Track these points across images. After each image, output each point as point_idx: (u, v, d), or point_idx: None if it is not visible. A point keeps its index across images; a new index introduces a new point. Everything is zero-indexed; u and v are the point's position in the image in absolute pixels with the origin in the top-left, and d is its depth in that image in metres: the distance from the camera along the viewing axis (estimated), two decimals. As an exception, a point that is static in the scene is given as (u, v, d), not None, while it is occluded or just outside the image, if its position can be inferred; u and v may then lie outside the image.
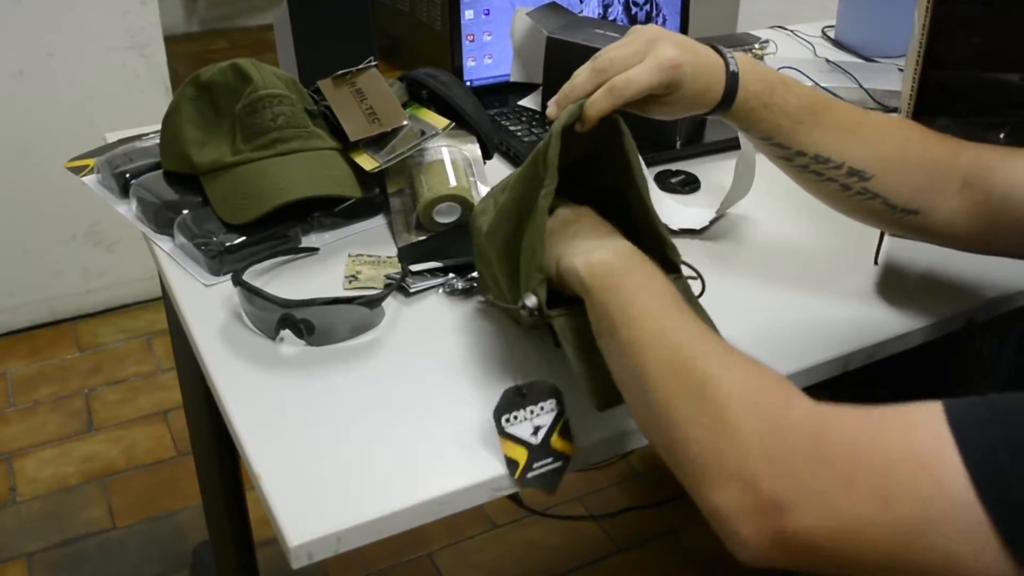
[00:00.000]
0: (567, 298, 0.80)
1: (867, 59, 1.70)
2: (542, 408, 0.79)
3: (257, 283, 0.95)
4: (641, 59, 0.82)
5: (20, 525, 1.86)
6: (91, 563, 1.78)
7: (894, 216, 0.90)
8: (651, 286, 0.74)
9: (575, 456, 0.79)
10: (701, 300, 0.83)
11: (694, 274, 0.84)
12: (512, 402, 0.78)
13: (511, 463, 0.77)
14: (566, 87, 0.84)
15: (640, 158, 0.84)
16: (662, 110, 0.87)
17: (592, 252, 0.78)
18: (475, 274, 0.99)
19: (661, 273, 0.76)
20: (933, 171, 0.88)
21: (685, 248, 1.09)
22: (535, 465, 0.77)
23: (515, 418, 0.78)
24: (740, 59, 0.87)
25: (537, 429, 0.78)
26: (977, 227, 0.88)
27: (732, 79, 0.85)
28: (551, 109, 0.85)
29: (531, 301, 0.78)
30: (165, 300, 1.29)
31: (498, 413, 0.78)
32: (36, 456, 2.03)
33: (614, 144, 0.84)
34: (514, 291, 0.83)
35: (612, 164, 0.85)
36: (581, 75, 0.84)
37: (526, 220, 0.82)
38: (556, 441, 0.78)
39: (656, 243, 0.83)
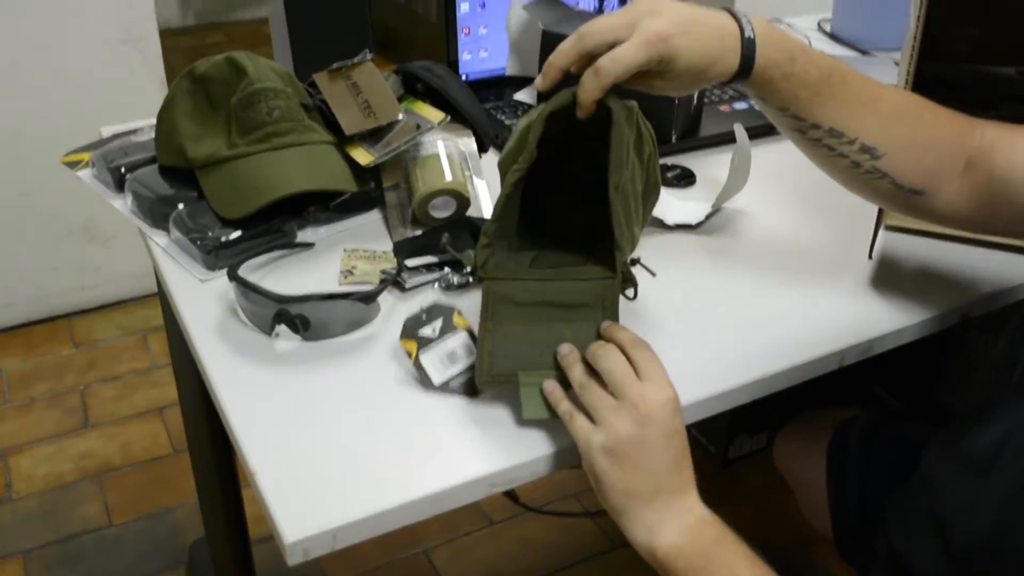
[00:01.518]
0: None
1: (863, 52, 1.70)
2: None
3: (253, 278, 0.94)
4: (630, 33, 0.79)
5: (16, 523, 1.86)
6: (87, 561, 1.78)
7: (900, 196, 0.89)
8: None
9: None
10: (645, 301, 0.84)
11: (634, 281, 0.86)
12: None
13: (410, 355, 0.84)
14: (551, 56, 0.82)
15: (630, 150, 0.82)
16: (668, 85, 0.84)
17: (658, 531, 0.75)
18: (469, 269, 0.99)
19: (738, 551, 0.75)
20: (942, 152, 0.87)
21: (681, 243, 1.10)
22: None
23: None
24: (758, 24, 0.82)
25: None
26: (975, 208, 0.88)
27: (748, 46, 0.81)
28: (539, 81, 0.83)
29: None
30: (160, 295, 1.29)
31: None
32: (32, 453, 2.03)
33: (604, 132, 0.82)
34: None
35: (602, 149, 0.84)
36: (565, 43, 0.82)
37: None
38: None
39: (608, 241, 0.83)
